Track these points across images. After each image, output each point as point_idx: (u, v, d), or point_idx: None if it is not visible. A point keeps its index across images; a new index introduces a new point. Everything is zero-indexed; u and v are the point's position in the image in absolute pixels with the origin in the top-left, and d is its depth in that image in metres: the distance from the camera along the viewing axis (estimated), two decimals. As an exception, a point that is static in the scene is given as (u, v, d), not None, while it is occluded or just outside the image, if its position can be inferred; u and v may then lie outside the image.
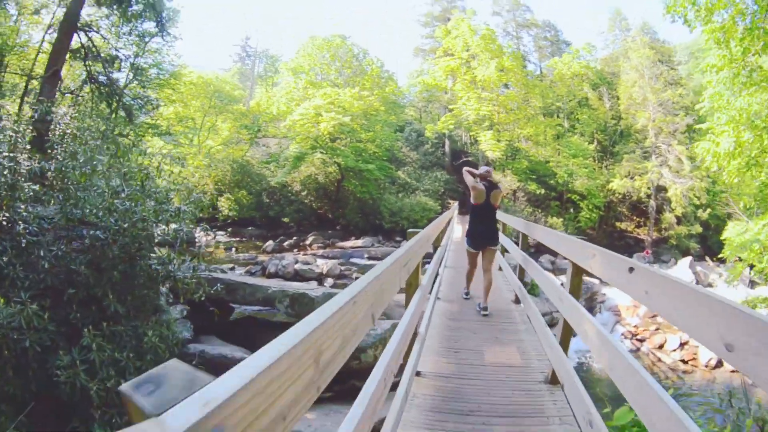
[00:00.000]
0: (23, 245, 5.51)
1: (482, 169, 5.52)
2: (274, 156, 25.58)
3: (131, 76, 14.73)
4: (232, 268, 16.74)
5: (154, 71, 17.72)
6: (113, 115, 13.85)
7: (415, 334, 3.14)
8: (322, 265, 17.01)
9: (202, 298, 6.53)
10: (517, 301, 5.77)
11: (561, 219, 24.07)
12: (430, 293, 4.45)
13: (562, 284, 3.15)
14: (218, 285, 8.81)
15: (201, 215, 18.03)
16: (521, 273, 6.05)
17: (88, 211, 5.76)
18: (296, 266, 16.49)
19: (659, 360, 11.65)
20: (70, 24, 10.41)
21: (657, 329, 13.20)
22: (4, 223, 5.65)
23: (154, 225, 5.93)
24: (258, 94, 32.28)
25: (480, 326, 4.73)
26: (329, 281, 15.25)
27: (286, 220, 24.25)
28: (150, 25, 14.17)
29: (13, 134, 6.50)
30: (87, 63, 11.67)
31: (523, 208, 23.67)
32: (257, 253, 19.97)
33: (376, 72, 27.07)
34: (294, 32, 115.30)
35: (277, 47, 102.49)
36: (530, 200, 24.96)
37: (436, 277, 5.64)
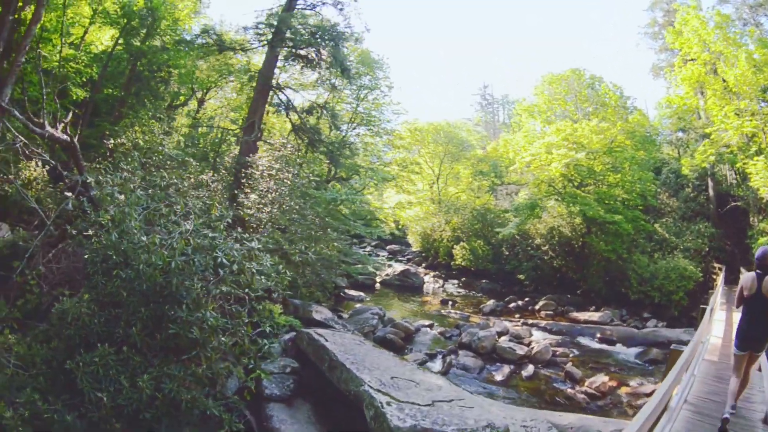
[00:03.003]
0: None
1: (759, 251, 4.88)
2: (514, 204, 22.94)
3: (333, 123, 16.23)
4: (430, 326, 15.02)
5: (382, 121, 19.33)
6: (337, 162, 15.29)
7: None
8: (535, 342, 13.81)
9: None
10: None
11: None
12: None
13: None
14: (326, 356, 8.03)
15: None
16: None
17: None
18: (500, 340, 13.47)
19: None
20: (263, 85, 12.45)
21: None
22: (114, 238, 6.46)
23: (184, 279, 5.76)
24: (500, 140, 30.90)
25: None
26: (529, 369, 11.66)
27: (521, 277, 21.04)
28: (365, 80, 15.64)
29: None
30: (289, 115, 13.42)
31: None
32: (472, 312, 17.53)
33: (614, 100, 22.36)
34: (530, 75, 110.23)
35: (516, 92, 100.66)
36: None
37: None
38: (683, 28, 18.92)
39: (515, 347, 12.70)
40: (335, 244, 14.53)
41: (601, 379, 10.59)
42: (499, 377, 11.17)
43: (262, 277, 6.92)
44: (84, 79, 10.90)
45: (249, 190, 12.47)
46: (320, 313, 11.39)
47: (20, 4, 6.38)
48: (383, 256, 33.81)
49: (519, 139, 20.69)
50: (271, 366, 7.87)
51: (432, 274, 26.10)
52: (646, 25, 32.04)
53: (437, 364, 11.73)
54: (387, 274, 24.42)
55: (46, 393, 5.25)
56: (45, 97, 5.98)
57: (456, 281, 24.46)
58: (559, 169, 17.14)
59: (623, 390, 10.31)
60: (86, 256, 6.39)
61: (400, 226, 31.02)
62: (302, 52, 13.98)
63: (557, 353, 12.81)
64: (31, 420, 4.88)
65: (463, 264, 24.20)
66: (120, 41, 11.63)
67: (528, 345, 13.41)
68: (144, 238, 5.78)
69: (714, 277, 17.17)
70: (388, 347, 12.39)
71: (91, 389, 5.15)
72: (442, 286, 23.90)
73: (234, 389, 6.93)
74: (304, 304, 11.39)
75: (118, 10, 11.19)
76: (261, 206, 12.43)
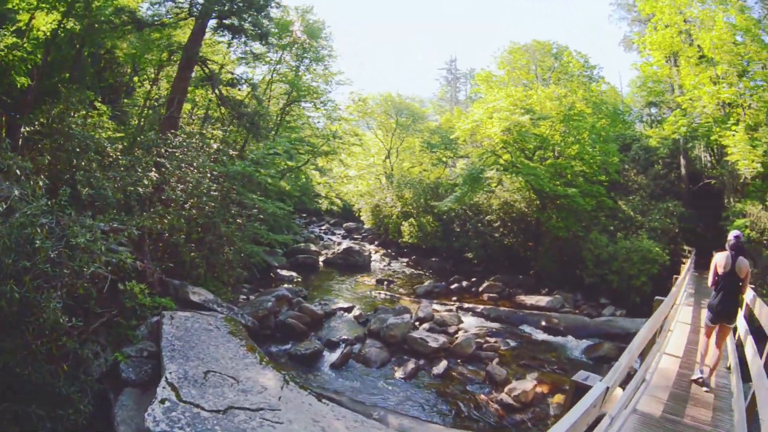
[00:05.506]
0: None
1: (731, 235, 5.46)
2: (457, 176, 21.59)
3: (253, 94, 15.20)
4: (349, 309, 13.69)
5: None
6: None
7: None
8: (462, 332, 12.26)
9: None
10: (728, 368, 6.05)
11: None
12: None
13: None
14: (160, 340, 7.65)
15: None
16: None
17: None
18: (418, 327, 12.24)
19: None
20: (187, 59, 12.61)
21: None
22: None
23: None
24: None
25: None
26: (441, 365, 10.04)
27: (469, 255, 19.47)
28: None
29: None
30: (216, 88, 12.56)
31: (779, 259, 13.56)
32: (406, 293, 16.10)
33: (578, 67, 21.23)
34: (497, 47, 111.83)
35: (483, 66, 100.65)
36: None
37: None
38: (656, -8, 17.25)
39: (429, 338, 11.06)
40: (238, 220, 13.04)
41: (524, 385, 8.75)
42: (400, 374, 9.59)
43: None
44: (30, 66, 10.63)
45: (154, 170, 11.22)
46: (198, 294, 10.15)
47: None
48: (339, 234, 32.40)
49: (474, 110, 19.10)
50: (130, 349, 7.43)
51: (382, 252, 24.81)
52: (617, -6, 31.01)
53: (335, 355, 10.47)
54: (333, 253, 23.03)
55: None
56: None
57: (406, 259, 23.61)
58: (498, 134, 15.53)
59: (555, 399, 8.56)
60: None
61: (352, 205, 29.39)
62: (227, 22, 12.93)
63: (484, 346, 11.19)
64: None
65: (410, 241, 23.25)
66: (62, 25, 10.52)
67: (453, 334, 12.07)
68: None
69: (683, 260, 15.75)
70: (288, 333, 11.70)
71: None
72: (389, 264, 22.81)
73: (99, 371, 6.89)
74: (182, 284, 10.28)
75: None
76: (165, 185, 11.40)
